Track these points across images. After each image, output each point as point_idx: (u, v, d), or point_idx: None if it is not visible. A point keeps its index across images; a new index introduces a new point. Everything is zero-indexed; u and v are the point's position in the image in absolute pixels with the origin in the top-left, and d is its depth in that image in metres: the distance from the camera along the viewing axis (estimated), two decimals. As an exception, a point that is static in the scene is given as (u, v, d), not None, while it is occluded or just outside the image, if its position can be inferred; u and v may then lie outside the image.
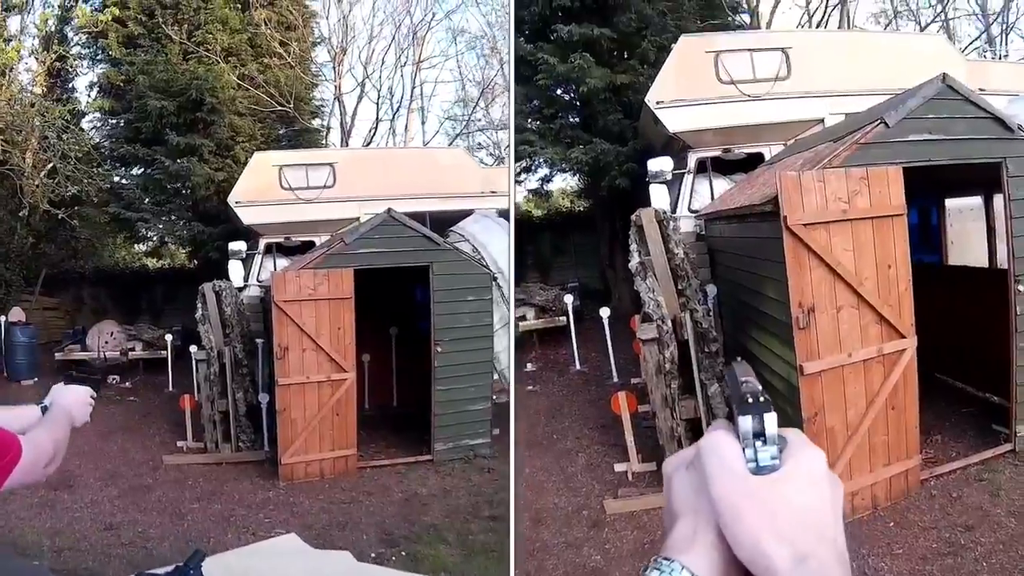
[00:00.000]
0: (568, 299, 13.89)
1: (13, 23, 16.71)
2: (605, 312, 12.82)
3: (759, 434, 1.15)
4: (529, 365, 14.18)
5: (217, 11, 17.59)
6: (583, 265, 17.43)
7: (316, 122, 19.62)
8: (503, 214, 14.59)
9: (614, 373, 12.77)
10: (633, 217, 9.46)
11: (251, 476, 11.46)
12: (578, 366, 13.73)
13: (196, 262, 18.29)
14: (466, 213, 14.93)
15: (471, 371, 12.26)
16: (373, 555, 9.15)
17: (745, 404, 1.16)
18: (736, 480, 1.13)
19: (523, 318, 14.38)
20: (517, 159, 16.31)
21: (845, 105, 11.91)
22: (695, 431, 9.02)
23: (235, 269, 13.81)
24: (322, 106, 19.99)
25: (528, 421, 11.90)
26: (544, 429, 11.71)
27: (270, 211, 14.78)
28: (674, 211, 11.72)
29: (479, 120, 21.47)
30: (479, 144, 21.65)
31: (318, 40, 19.81)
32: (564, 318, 14.15)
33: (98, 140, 18.19)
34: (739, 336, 10.05)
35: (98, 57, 18.43)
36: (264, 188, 14.90)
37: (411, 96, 20.39)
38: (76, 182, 15.73)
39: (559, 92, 15.41)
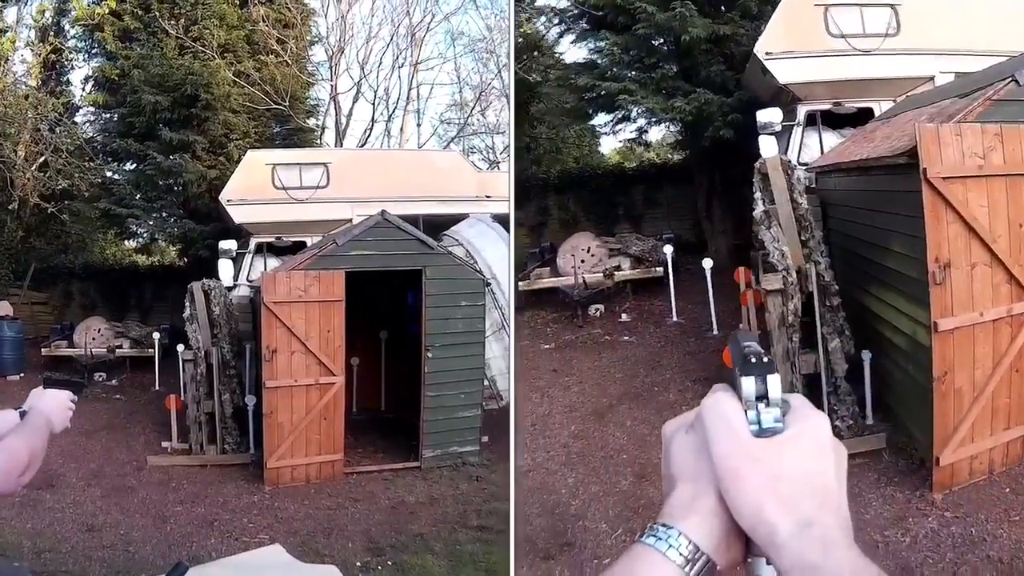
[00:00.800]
0: (667, 250, 13.95)
1: (10, 14, 16.57)
2: (708, 263, 12.87)
3: (762, 396, 1.12)
4: (624, 315, 14.21)
5: (214, 6, 17.44)
6: (675, 217, 17.41)
7: (311, 121, 19.52)
8: (498, 218, 14.47)
9: (714, 325, 12.73)
10: (757, 164, 9.25)
11: (236, 479, 11.27)
12: (675, 317, 13.71)
13: (187, 260, 18.11)
14: (461, 217, 14.86)
15: (462, 377, 12.10)
16: (359, 563, 9.01)
17: (748, 364, 1.13)
18: (738, 442, 1.11)
19: (618, 268, 14.46)
20: (614, 109, 16.19)
21: (955, 64, 11.75)
22: (811, 386, 8.85)
23: (225, 268, 13.60)
24: (317, 105, 19.89)
25: (626, 372, 11.95)
26: (643, 380, 11.65)
27: (262, 210, 14.62)
28: None
29: (474, 124, 21.43)
30: (473, 148, 21.66)
31: (315, 39, 19.69)
32: (660, 269, 14.16)
33: (91, 134, 18.08)
34: (853, 291, 9.76)
35: (94, 51, 18.31)
36: (256, 187, 14.74)
37: (407, 98, 20.27)
38: (67, 176, 15.61)
39: (655, 43, 15.00)
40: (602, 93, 14.89)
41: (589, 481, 9.26)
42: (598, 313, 14.40)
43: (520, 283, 14.38)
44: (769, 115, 11.85)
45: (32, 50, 16.69)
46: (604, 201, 18.19)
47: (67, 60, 18.04)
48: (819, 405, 8.47)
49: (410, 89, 20.34)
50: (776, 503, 1.06)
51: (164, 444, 12.13)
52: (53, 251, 17.90)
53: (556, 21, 17.42)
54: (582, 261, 14.53)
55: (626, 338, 13.40)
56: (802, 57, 12.35)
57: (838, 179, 11.12)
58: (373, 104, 20.06)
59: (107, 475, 11.32)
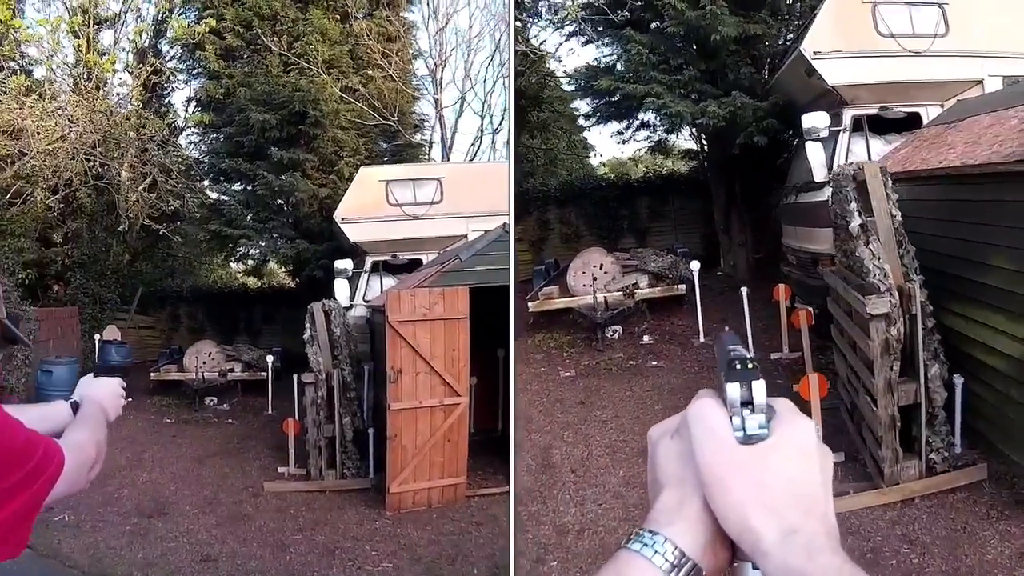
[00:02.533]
0: (694, 266, 13.14)
1: (106, 37, 16.41)
2: (745, 290, 12.10)
3: (747, 402, 1.10)
4: (646, 337, 13.42)
5: (316, 22, 17.20)
6: (682, 230, 16.84)
7: (418, 136, 19.12)
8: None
9: (750, 347, 11.60)
10: (853, 171, 8.46)
11: (356, 505, 10.75)
12: (702, 338, 12.88)
13: (298, 281, 17.80)
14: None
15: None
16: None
17: (733, 370, 1.11)
18: (723, 449, 1.09)
19: (636, 285, 13.58)
20: (631, 115, 15.73)
21: (1003, 67, 11.24)
22: (906, 419, 8.00)
23: (341, 288, 13.28)
24: (424, 120, 19.43)
25: (664, 403, 10.98)
26: None
27: (377, 228, 14.23)
28: (829, 170, 10.80)
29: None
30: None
31: (417, 53, 19.31)
32: (682, 286, 13.44)
33: (197, 155, 17.99)
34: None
35: (195, 71, 18.24)
36: (370, 204, 14.37)
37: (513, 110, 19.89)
38: (178, 196, 15.31)
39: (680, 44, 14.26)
40: (624, 96, 14.28)
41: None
42: (616, 335, 13.58)
43: (529, 304, 13.68)
44: (815, 120, 11.18)
45: (131, 72, 16.48)
46: (607, 214, 17.56)
47: (168, 81, 17.92)
48: (916, 438, 7.85)
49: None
50: (761, 510, 1.05)
51: (280, 469, 11.68)
52: (160, 275, 17.76)
53: (563, 23, 16.70)
54: (594, 279, 13.81)
55: (654, 363, 12.55)
56: (851, 57, 11.70)
57: (910, 188, 10.13)
58: (481, 116, 19.60)
59: (222, 502, 10.84)
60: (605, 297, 13.36)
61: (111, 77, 15.96)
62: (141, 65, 16.21)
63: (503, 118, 19.57)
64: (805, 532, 1.03)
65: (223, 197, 17.82)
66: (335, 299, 12.38)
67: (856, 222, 8.13)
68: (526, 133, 17.06)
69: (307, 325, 11.44)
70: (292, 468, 11.56)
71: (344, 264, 13.62)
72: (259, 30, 16.89)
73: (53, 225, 15.85)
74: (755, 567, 1.06)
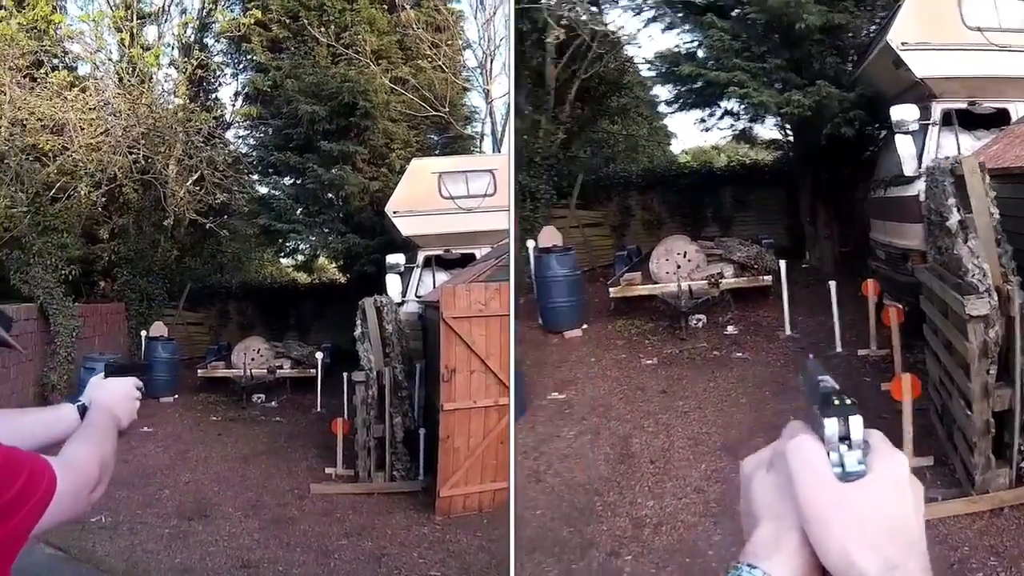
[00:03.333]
0: (782, 262, 12.66)
1: (150, 32, 16.19)
2: (832, 284, 11.59)
3: (844, 438, 1.10)
4: (730, 327, 12.94)
5: (363, 12, 16.90)
6: (766, 220, 16.20)
7: (469, 128, 18.75)
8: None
9: (838, 343, 11.36)
10: (951, 165, 7.93)
11: (404, 509, 10.33)
12: (787, 331, 12.34)
13: (348, 276, 17.49)
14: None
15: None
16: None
17: (831, 406, 1.10)
18: (824, 486, 1.08)
19: (721, 275, 13.18)
20: (712, 103, 15.34)
21: None
22: (999, 425, 7.44)
23: (393, 283, 12.89)
24: (475, 112, 19.05)
25: (749, 396, 10.47)
26: (773, 408, 10.05)
27: (429, 221, 13.83)
28: (919, 165, 10.33)
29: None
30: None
31: (466, 44, 18.90)
32: (768, 277, 12.98)
33: (245, 150, 17.82)
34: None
35: (241, 65, 18.10)
36: (423, 197, 13.97)
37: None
38: (225, 190, 15.04)
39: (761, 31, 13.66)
40: (706, 84, 13.83)
41: (740, 538, 7.78)
42: (700, 324, 13.09)
43: (611, 289, 13.47)
44: (904, 112, 10.68)
45: (176, 67, 16.25)
46: (690, 202, 17.14)
47: (213, 76, 17.72)
48: (1008, 445, 7.26)
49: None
50: (863, 547, 1.05)
51: (328, 470, 11.27)
52: (208, 270, 17.50)
53: (641, 8, 16.13)
54: (678, 266, 13.36)
55: (739, 354, 12.01)
56: (939, 49, 11.14)
57: (1001, 186, 9.52)
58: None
59: (266, 504, 10.46)
60: (690, 285, 12.93)
61: (156, 72, 15.74)
62: (186, 59, 15.99)
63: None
64: (906, 569, 1.04)
65: (273, 191, 17.57)
66: (387, 295, 12.00)
67: (955, 219, 7.62)
68: (606, 119, 16.59)
69: (358, 321, 11.04)
70: (340, 469, 11.17)
71: (396, 259, 13.20)
72: (305, 20, 16.58)
73: (99, 221, 15.68)
74: None
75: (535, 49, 15.11)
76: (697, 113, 16.54)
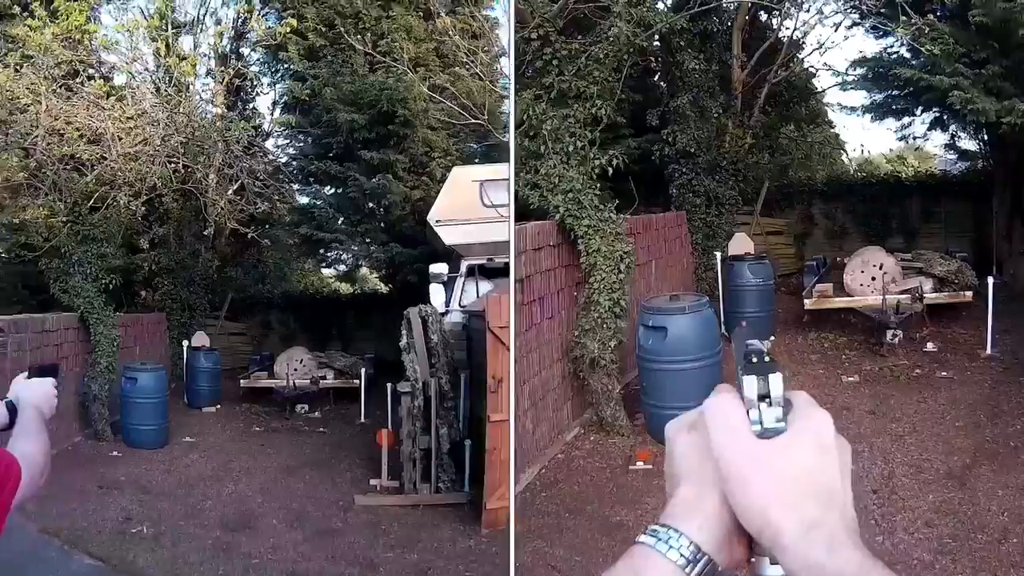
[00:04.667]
0: (990, 280, 12.26)
1: (185, 42, 16.15)
2: None
3: (764, 396, 1.10)
4: (929, 344, 12.56)
5: (400, 19, 16.85)
6: (953, 234, 15.82)
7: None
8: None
9: None
10: None
11: (450, 521, 10.10)
12: (988, 350, 12.00)
13: (391, 286, 17.44)
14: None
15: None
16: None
17: (750, 364, 1.11)
18: (742, 443, 1.09)
19: (921, 289, 12.77)
20: (917, 107, 15.05)
21: None
22: None
23: (436, 293, 12.71)
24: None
25: (965, 419, 10.12)
26: (992, 432, 9.75)
27: (471, 230, 13.57)
28: None
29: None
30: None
31: (501, 51, 18.75)
32: (968, 293, 12.68)
33: (284, 159, 17.81)
34: None
35: (278, 72, 18.05)
36: (465, 206, 13.75)
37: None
38: (266, 199, 14.95)
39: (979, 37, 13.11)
40: (918, 89, 13.39)
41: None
42: (897, 340, 12.59)
43: (805, 301, 13.19)
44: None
45: (213, 77, 16.22)
46: (876, 212, 16.60)
47: (251, 85, 17.69)
48: None
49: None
50: (781, 505, 1.05)
51: (372, 482, 11.07)
52: (250, 280, 17.38)
53: (842, 9, 15.63)
54: (873, 279, 13.01)
55: (943, 373, 11.59)
56: None
57: None
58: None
59: (310, 516, 10.30)
60: (898, 299, 12.57)
61: (193, 81, 15.71)
62: (223, 69, 15.95)
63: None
64: (826, 526, 1.04)
65: (314, 201, 17.55)
66: (431, 304, 11.83)
67: None
68: (790, 125, 16.28)
69: (403, 332, 10.85)
70: (384, 481, 10.98)
71: (439, 268, 13.01)
72: (342, 28, 16.49)
73: (139, 231, 15.64)
74: (774, 562, 1.07)
75: (721, 50, 14.86)
76: (891, 122, 16.47)
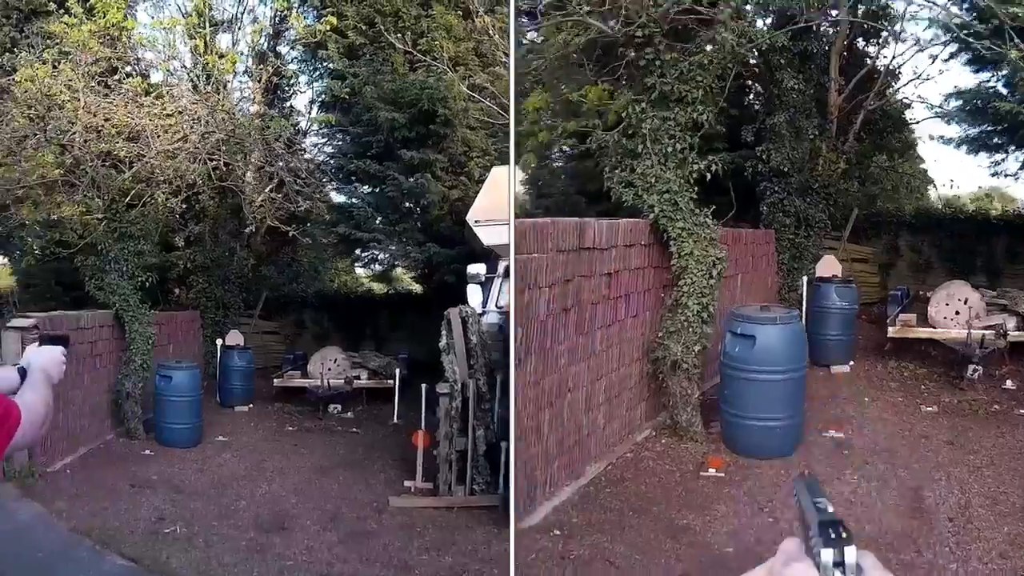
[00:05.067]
0: None
1: (223, 40, 16.12)
2: None
3: (838, 563, 1.12)
4: (1008, 382, 12.37)
5: (440, 18, 16.71)
6: None
7: (546, 135, 18.47)
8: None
9: None
10: None
11: (485, 524, 9.90)
12: None
13: (427, 286, 17.42)
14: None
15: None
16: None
17: (828, 537, 1.14)
18: None
19: (1005, 326, 12.61)
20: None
21: None
22: None
23: (474, 294, 12.55)
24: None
25: None
26: None
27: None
28: None
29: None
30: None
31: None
32: None
33: (322, 157, 17.69)
34: None
35: (316, 71, 18.05)
36: (504, 206, 13.56)
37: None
38: (307, 197, 14.86)
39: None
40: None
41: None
42: (977, 375, 12.37)
43: (889, 328, 13.11)
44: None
45: (251, 75, 16.15)
46: (963, 248, 16.38)
47: (288, 84, 17.62)
48: None
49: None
50: None
51: (407, 483, 10.94)
52: (284, 279, 17.29)
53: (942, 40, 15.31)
54: (957, 312, 12.90)
55: (1021, 411, 11.41)
56: None
57: None
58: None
59: (344, 518, 10.12)
60: (983, 334, 12.38)
61: (231, 79, 15.64)
62: (261, 66, 15.88)
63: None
64: None
65: (352, 200, 17.51)
66: (469, 305, 11.70)
67: None
68: (882, 155, 16.17)
69: (443, 332, 10.69)
70: (419, 482, 10.85)
71: (477, 269, 12.87)
72: (382, 27, 16.40)
73: (175, 228, 15.59)
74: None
75: (819, 73, 14.78)
76: (983, 157, 16.51)
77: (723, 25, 11.08)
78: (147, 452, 12.20)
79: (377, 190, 16.99)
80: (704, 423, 10.57)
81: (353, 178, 17.42)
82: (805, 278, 13.63)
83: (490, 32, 16.73)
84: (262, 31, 16.50)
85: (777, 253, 14.52)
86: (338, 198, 17.73)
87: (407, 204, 16.34)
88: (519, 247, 8.52)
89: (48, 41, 13.24)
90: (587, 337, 9.51)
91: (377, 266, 19.09)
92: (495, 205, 13.40)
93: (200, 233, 15.75)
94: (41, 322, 10.95)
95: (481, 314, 11.97)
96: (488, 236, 13.32)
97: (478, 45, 17.32)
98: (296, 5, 16.94)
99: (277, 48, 17.31)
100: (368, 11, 16.73)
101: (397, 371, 14.36)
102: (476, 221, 13.47)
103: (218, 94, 14.66)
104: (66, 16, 13.11)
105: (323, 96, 17.57)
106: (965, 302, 12.95)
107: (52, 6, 14.16)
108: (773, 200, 14.43)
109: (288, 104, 17.89)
